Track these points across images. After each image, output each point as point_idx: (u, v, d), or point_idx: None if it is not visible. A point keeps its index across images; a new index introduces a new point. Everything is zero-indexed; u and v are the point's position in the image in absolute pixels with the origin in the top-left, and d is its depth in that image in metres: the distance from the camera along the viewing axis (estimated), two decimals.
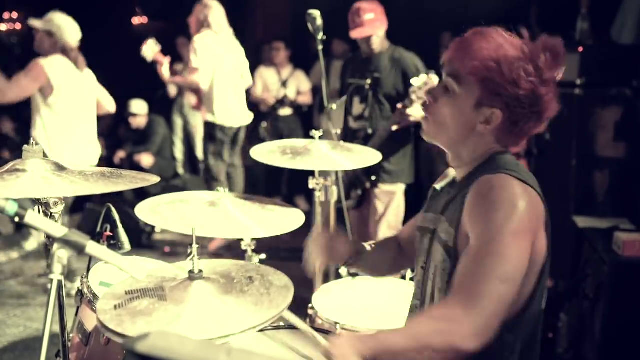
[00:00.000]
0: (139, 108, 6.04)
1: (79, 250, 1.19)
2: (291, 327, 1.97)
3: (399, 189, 3.76)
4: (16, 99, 3.81)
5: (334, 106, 3.03)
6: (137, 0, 8.28)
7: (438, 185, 1.64)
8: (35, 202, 1.61)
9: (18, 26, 8.94)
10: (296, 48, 6.60)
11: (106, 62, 4.20)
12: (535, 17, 5.12)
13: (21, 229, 5.13)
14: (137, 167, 5.78)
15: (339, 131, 2.99)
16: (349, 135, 3.69)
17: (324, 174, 2.73)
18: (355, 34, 3.58)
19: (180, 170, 6.67)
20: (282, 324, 1.91)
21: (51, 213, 1.60)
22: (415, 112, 3.35)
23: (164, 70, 4.73)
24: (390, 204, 3.74)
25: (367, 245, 1.87)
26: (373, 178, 3.68)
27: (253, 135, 5.96)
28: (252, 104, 5.52)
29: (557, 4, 4.76)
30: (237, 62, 4.88)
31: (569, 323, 3.20)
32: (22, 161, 1.62)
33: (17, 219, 1.18)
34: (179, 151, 6.78)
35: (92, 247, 1.20)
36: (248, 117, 5.02)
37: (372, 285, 2.53)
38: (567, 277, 3.40)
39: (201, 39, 4.65)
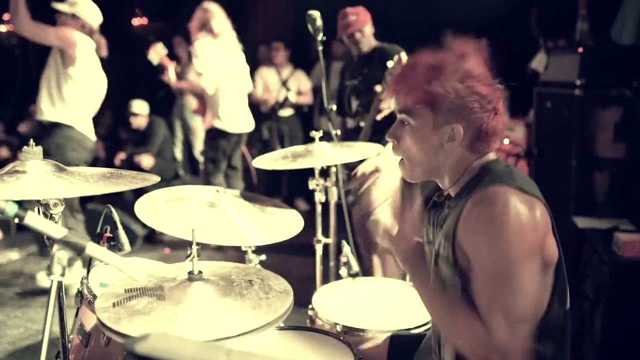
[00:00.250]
0: (140, 108, 6.04)
1: (79, 251, 1.19)
2: (307, 328, 1.99)
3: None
4: (31, 36, 3.78)
5: (334, 107, 3.07)
6: (137, 1, 8.27)
7: (438, 198, 1.65)
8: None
9: None
10: (296, 49, 6.61)
11: (106, 62, 4.21)
12: (535, 17, 5.12)
13: (22, 230, 5.13)
14: (138, 168, 5.77)
15: (338, 132, 3.01)
16: (348, 136, 3.69)
17: (324, 175, 2.73)
18: (341, 33, 3.66)
19: (181, 171, 6.67)
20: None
21: (51, 214, 1.60)
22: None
23: (170, 75, 4.72)
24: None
25: None
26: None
27: (254, 136, 5.97)
28: (253, 104, 5.52)
29: (557, 4, 4.77)
30: (238, 67, 4.87)
31: None
32: (22, 162, 1.63)
33: (17, 220, 1.18)
34: (179, 152, 6.78)
35: (92, 248, 1.21)
36: (251, 124, 5.02)
37: (372, 285, 2.53)
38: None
39: (202, 44, 4.63)
